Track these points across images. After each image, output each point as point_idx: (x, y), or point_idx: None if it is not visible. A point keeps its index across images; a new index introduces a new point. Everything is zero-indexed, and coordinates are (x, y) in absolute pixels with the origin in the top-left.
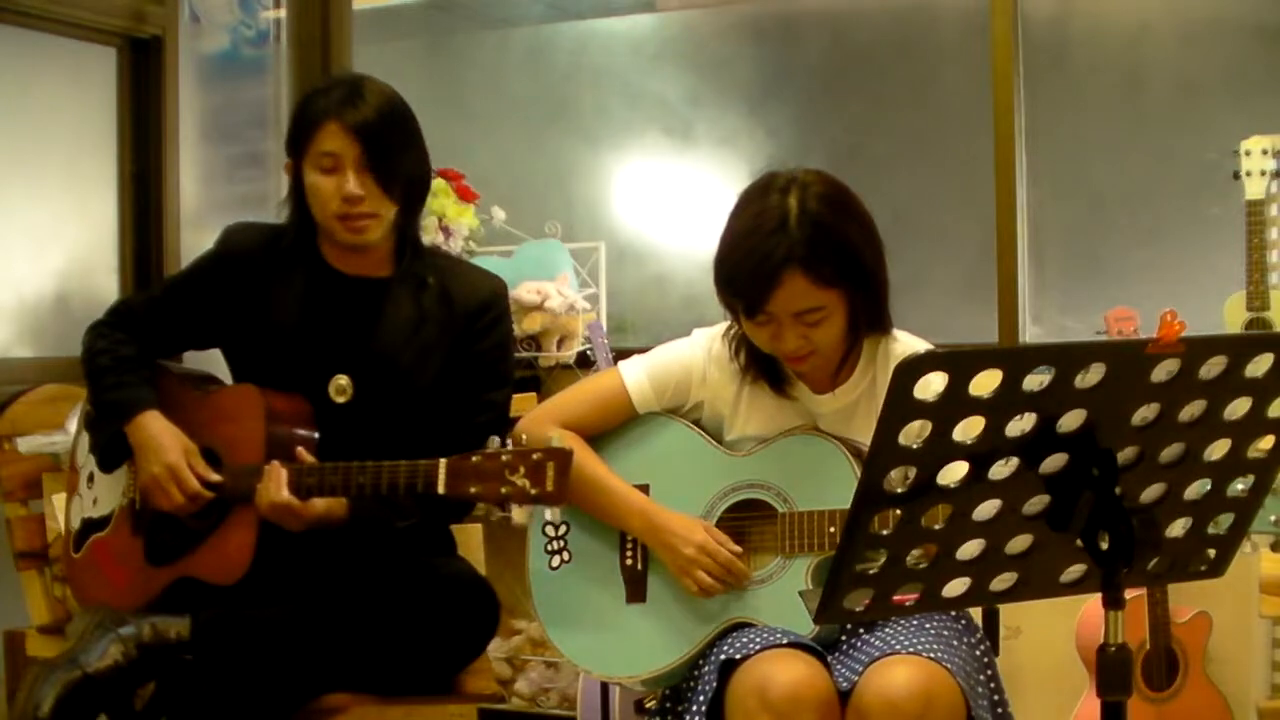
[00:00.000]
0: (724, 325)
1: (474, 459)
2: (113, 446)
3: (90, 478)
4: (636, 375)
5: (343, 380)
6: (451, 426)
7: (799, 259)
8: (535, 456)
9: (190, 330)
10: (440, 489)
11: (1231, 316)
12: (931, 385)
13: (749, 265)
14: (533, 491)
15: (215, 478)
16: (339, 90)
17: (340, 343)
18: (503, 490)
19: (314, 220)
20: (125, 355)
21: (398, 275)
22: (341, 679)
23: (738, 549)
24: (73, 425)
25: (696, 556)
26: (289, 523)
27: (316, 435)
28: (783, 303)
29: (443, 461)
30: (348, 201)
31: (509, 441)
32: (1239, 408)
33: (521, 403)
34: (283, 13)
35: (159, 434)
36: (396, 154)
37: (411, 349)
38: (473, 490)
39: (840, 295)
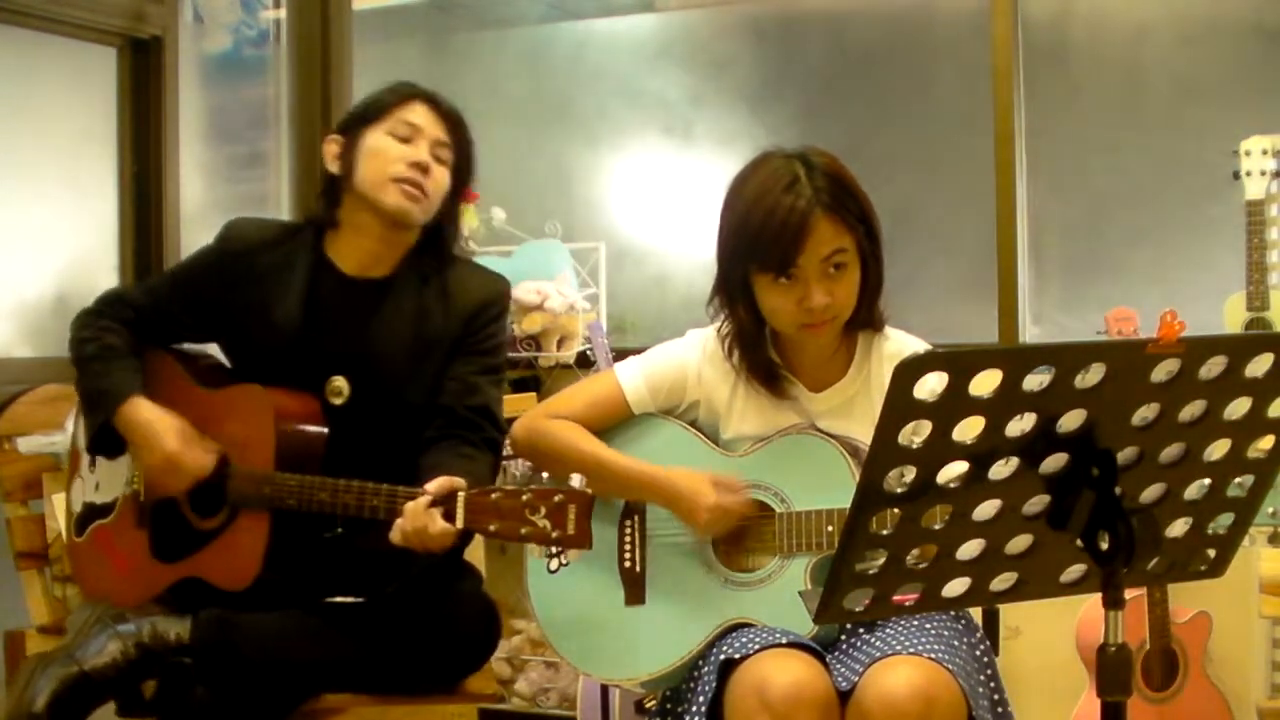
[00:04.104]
0: (718, 324)
1: (493, 495)
2: (103, 438)
3: (93, 461)
4: (632, 377)
5: (339, 382)
6: (441, 409)
7: (822, 204)
8: (557, 498)
9: (187, 325)
10: (458, 523)
11: (1231, 316)
12: (931, 385)
13: (776, 221)
14: (554, 534)
15: (211, 463)
16: (419, 87)
17: (339, 344)
18: (522, 530)
19: (344, 205)
20: (110, 344)
21: (400, 273)
22: (339, 684)
23: (747, 496)
24: (71, 424)
25: (712, 522)
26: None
27: (326, 431)
28: (813, 251)
29: (461, 495)
30: (415, 166)
31: (507, 441)
32: (1239, 408)
33: (521, 402)
34: (283, 13)
35: (151, 421)
36: (465, 156)
37: (409, 351)
38: (492, 528)
39: (855, 243)
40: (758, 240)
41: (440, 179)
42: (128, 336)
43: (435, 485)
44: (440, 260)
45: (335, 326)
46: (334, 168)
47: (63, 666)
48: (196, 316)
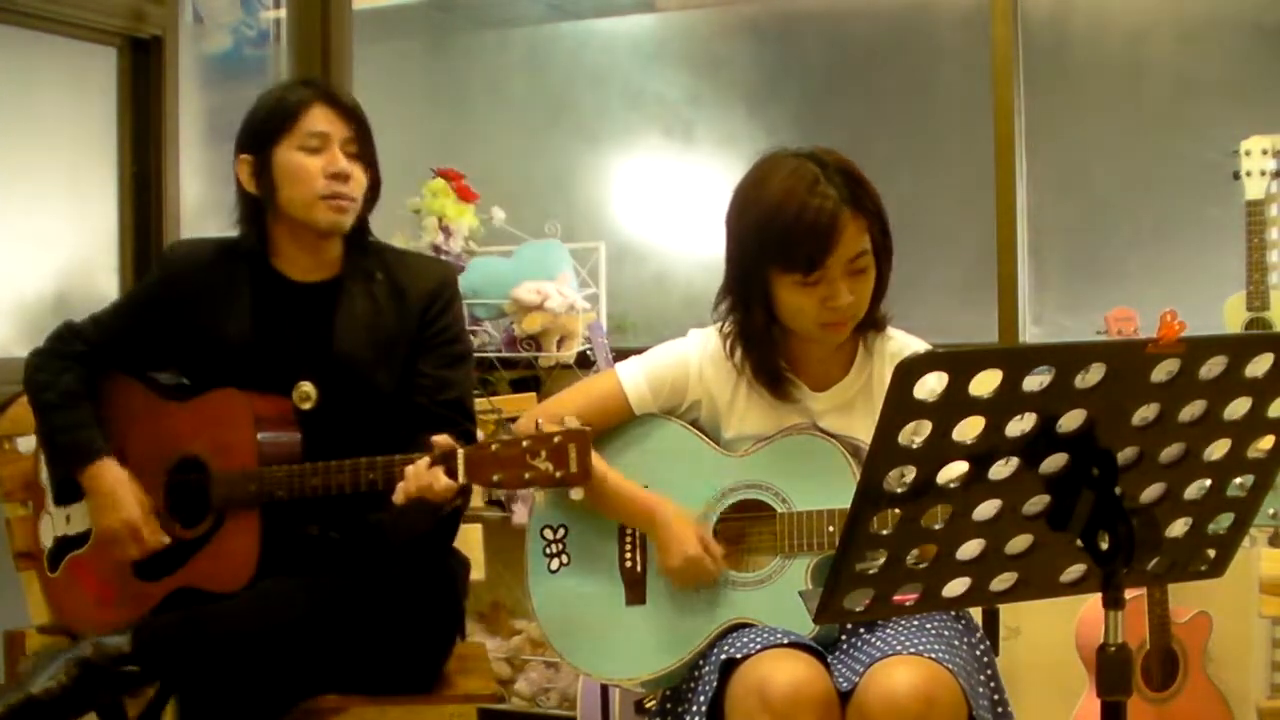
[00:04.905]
0: (720, 323)
1: (493, 447)
2: (67, 486)
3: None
4: (633, 376)
5: (306, 387)
6: (415, 408)
7: (847, 203)
8: (556, 439)
9: (141, 353)
10: (460, 479)
11: (1231, 316)
12: (931, 385)
13: (805, 222)
14: (557, 474)
15: (166, 540)
16: (310, 84)
17: (299, 350)
18: (526, 476)
19: (270, 222)
20: (69, 389)
21: (346, 273)
22: (304, 675)
23: (722, 567)
24: (31, 454)
25: (683, 570)
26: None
27: (300, 436)
28: (841, 251)
29: (460, 451)
30: (337, 178)
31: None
32: (1239, 408)
33: (521, 403)
34: (283, 13)
35: (115, 487)
36: (372, 144)
37: (370, 347)
38: (495, 478)
39: (873, 240)
40: (785, 241)
41: (359, 177)
42: (83, 374)
43: (436, 441)
44: (376, 251)
45: (292, 333)
46: (251, 188)
47: (12, 694)
48: (149, 344)
